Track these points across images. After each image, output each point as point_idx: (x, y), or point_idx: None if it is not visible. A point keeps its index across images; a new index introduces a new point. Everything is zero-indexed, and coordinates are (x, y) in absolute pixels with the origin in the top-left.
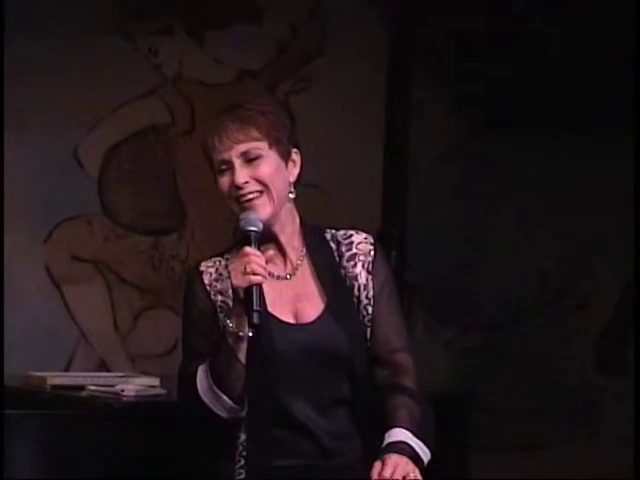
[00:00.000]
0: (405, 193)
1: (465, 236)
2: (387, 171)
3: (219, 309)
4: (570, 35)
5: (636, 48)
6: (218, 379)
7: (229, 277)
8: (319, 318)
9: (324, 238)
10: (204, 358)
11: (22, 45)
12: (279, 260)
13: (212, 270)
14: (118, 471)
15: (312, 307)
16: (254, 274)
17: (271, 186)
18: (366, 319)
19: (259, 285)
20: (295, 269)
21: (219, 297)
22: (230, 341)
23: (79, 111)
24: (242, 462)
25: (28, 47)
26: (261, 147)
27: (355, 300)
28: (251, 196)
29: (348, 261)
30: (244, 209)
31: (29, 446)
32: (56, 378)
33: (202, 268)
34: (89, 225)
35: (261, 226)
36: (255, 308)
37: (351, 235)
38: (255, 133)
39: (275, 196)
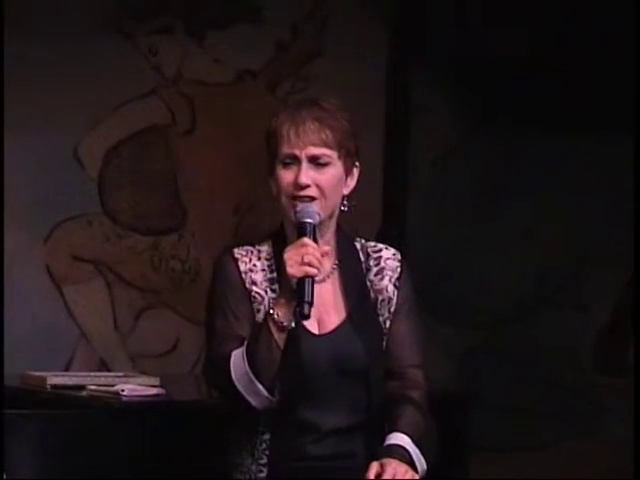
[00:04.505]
0: (405, 193)
1: (465, 236)
2: (387, 171)
3: (253, 299)
4: (570, 35)
5: (636, 48)
6: (254, 366)
7: (263, 270)
8: (338, 328)
9: (354, 247)
10: (238, 342)
11: (22, 45)
12: None
13: (246, 259)
14: (118, 471)
15: (335, 316)
16: (310, 265)
17: (328, 196)
18: (384, 332)
19: (312, 277)
20: (327, 276)
21: (254, 287)
22: (273, 330)
23: (79, 111)
24: (265, 459)
25: (28, 47)
26: (331, 156)
27: (377, 313)
28: (307, 199)
29: (376, 275)
30: (295, 206)
31: (29, 446)
32: (56, 378)
33: (237, 255)
34: (89, 225)
35: (318, 219)
36: (307, 299)
37: (380, 250)
38: (330, 139)
39: (327, 206)
